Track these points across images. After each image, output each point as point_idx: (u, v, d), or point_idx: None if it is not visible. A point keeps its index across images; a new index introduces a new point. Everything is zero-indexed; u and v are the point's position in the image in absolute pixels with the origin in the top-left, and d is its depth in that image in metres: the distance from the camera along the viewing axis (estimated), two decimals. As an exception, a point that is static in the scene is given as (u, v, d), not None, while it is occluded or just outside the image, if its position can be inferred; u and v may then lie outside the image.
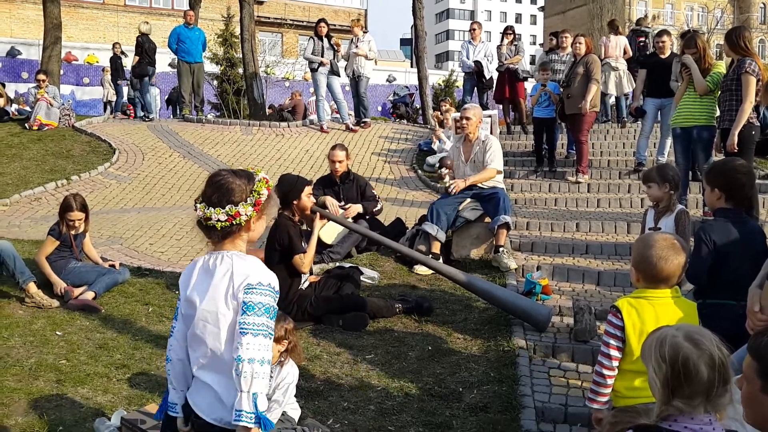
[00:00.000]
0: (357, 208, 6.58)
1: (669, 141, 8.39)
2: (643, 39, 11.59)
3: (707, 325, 2.23)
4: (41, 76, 12.70)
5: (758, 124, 6.41)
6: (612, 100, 12.26)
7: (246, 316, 2.15)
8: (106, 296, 5.53)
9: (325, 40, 11.88)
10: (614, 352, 2.73)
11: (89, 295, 5.39)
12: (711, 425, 1.84)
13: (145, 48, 13.34)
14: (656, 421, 1.90)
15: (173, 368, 2.40)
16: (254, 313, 2.15)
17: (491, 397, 4.00)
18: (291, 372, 3.40)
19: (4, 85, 15.21)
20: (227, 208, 2.26)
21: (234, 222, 2.27)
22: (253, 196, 2.30)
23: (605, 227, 6.99)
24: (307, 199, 5.18)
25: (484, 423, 3.72)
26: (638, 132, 9.52)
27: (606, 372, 2.74)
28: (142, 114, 13.63)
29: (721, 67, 6.85)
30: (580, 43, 8.75)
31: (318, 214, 5.32)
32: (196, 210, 2.32)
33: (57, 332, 4.80)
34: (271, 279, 2.24)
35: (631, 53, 11.79)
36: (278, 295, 2.25)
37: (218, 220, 2.26)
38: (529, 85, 13.03)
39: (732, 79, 6.19)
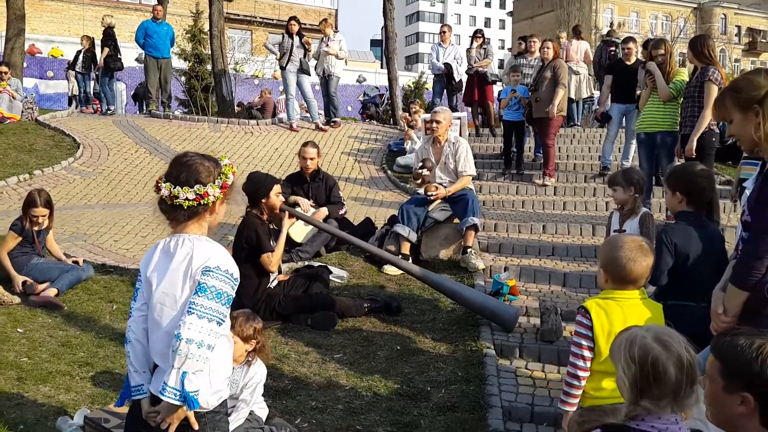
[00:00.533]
0: (324, 212, 6.56)
1: (633, 146, 8.56)
2: (613, 49, 11.84)
3: (669, 326, 2.27)
4: (3, 68, 12.40)
5: (718, 131, 6.58)
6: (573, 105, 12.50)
7: (197, 296, 2.15)
8: (69, 293, 5.42)
9: (296, 38, 11.82)
10: (586, 353, 2.75)
11: (52, 291, 5.29)
12: (677, 425, 1.88)
13: (115, 41, 13.15)
14: (624, 421, 1.94)
15: (133, 349, 2.36)
16: (205, 296, 2.15)
17: (459, 396, 4.03)
18: (259, 372, 3.39)
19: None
20: (196, 187, 2.27)
21: (201, 202, 2.27)
22: (221, 178, 2.32)
23: (571, 229, 7.10)
24: (276, 197, 5.15)
25: (451, 422, 3.75)
26: (604, 137, 9.69)
27: (580, 373, 2.76)
28: (106, 108, 13.41)
29: (684, 74, 7.02)
30: (548, 48, 8.87)
31: (287, 212, 5.29)
32: (159, 190, 2.30)
33: (18, 329, 4.69)
34: (230, 265, 2.24)
35: (591, 58, 12.12)
36: (236, 283, 2.25)
37: (186, 199, 2.26)
38: (498, 88, 13.17)
39: (695, 86, 6.34)
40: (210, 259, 2.21)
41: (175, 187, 2.27)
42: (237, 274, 2.26)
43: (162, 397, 2.12)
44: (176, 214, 2.31)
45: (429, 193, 6.34)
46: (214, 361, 2.19)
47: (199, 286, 2.17)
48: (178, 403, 2.11)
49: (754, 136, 2.62)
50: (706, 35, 6.98)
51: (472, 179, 6.91)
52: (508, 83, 10.74)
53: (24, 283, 5.37)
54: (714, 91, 6.14)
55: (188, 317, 2.10)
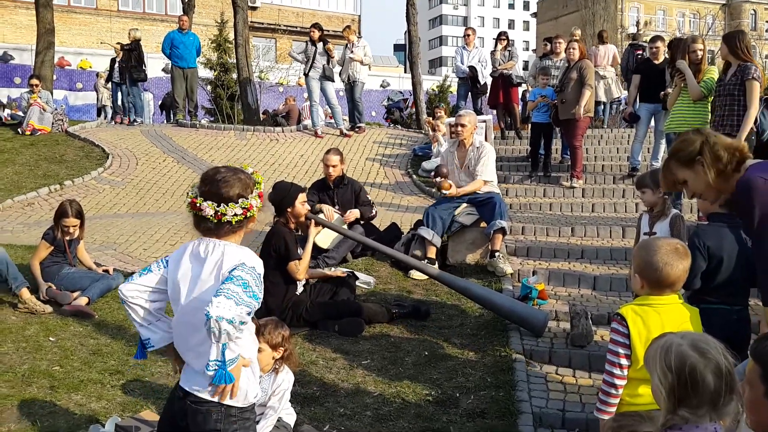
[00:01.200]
0: (355, 213, 6.58)
1: (663, 146, 8.42)
2: (640, 52, 11.77)
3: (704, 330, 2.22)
4: (34, 81, 12.63)
5: (755, 129, 6.44)
6: (600, 107, 12.45)
7: (224, 284, 2.20)
8: (100, 302, 5.49)
9: (319, 45, 11.87)
10: (624, 361, 2.69)
11: (83, 300, 5.36)
12: None
13: (140, 52, 13.35)
14: (661, 431, 1.89)
15: (134, 312, 2.49)
16: (231, 283, 2.20)
17: (488, 402, 3.99)
18: (286, 379, 3.39)
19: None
20: (240, 201, 2.34)
21: (248, 215, 2.36)
22: (258, 187, 2.41)
23: (600, 232, 7.01)
24: (301, 206, 5.17)
25: (481, 428, 3.71)
26: (632, 137, 9.56)
27: (617, 381, 2.70)
28: (134, 119, 13.61)
29: (714, 72, 6.88)
30: (573, 49, 8.78)
31: (312, 221, 5.30)
32: (201, 210, 2.33)
33: (50, 338, 4.76)
34: (257, 264, 2.31)
35: (619, 61, 12.10)
36: (261, 281, 2.30)
37: (234, 215, 2.33)
38: (523, 89, 13.11)
39: (735, 84, 6.18)
40: (240, 260, 2.30)
41: (219, 205, 2.32)
42: (262, 271, 2.33)
43: (208, 372, 2.21)
44: (221, 231, 2.36)
45: (442, 191, 6.30)
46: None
47: (226, 278, 2.23)
48: (214, 372, 2.21)
49: (712, 184, 2.78)
50: (742, 31, 6.82)
51: (498, 182, 6.85)
52: (534, 85, 10.66)
53: (48, 289, 5.45)
54: (758, 89, 6.03)
55: (215, 298, 2.14)
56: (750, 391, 1.86)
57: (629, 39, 35.13)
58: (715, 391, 1.82)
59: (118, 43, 14.37)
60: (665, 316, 2.70)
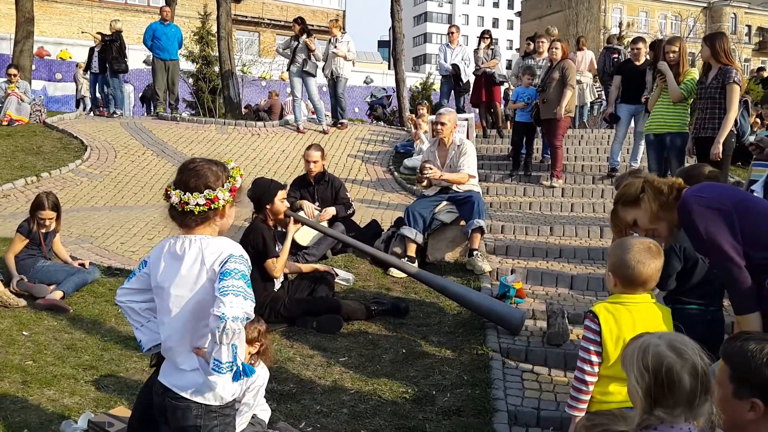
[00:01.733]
0: (331, 212, 6.55)
1: (642, 147, 8.50)
2: (616, 55, 11.96)
3: (679, 330, 2.24)
4: (12, 71, 12.46)
5: (735, 132, 6.51)
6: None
7: (224, 280, 2.18)
8: (75, 296, 5.43)
9: (301, 39, 11.80)
10: (595, 358, 2.72)
11: (57, 294, 5.29)
12: None
13: (121, 43, 13.21)
14: (635, 430, 1.90)
15: (128, 315, 2.57)
16: (232, 278, 2.18)
17: (464, 400, 4.00)
18: (261, 374, 3.37)
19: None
20: (206, 192, 2.31)
21: (212, 206, 2.32)
22: (230, 182, 2.37)
23: (579, 231, 7.06)
24: (281, 203, 5.14)
25: (457, 426, 3.71)
26: (612, 138, 9.63)
27: (588, 378, 2.73)
28: (114, 111, 13.46)
29: (694, 74, 6.93)
30: (556, 48, 8.82)
31: (292, 218, 5.28)
32: (169, 198, 2.34)
33: (23, 332, 4.69)
34: (242, 251, 2.32)
35: (596, 66, 12.51)
36: (250, 267, 2.30)
37: (197, 204, 2.30)
38: (507, 88, 13.19)
39: (715, 87, 6.23)
40: (223, 252, 2.28)
41: (185, 194, 2.32)
42: (247, 256, 2.33)
43: (221, 374, 2.15)
44: (187, 220, 2.35)
45: (424, 173, 6.27)
46: None
47: (222, 273, 2.21)
48: (230, 373, 2.17)
49: (660, 217, 2.96)
50: (723, 33, 6.87)
51: (479, 180, 6.86)
52: (516, 84, 10.70)
53: (20, 282, 5.40)
54: (737, 93, 6.10)
55: (225, 298, 2.12)
56: (720, 391, 1.90)
57: (611, 41, 35.47)
58: (691, 392, 1.84)
59: (98, 33, 14.18)
60: (637, 315, 2.73)
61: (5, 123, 11.56)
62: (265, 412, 3.48)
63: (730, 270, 2.74)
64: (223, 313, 2.07)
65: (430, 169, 6.23)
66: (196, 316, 2.25)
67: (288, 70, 11.99)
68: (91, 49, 14.19)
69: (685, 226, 2.89)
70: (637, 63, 8.74)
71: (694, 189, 2.92)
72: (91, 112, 14.13)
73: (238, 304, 2.10)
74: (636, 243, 2.77)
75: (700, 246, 2.84)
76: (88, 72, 14.74)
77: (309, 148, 6.79)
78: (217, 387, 2.26)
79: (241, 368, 2.18)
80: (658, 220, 2.96)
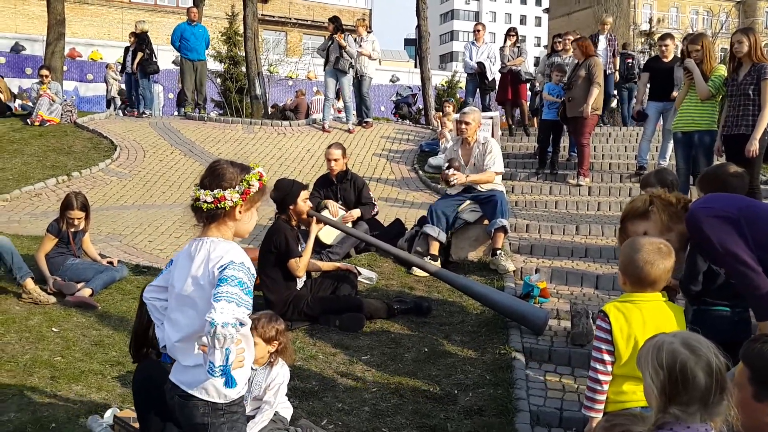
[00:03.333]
0: (356, 214, 6.57)
1: (671, 145, 8.37)
2: (630, 60, 11.81)
3: (703, 331, 2.22)
4: (44, 72, 12.70)
5: None
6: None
7: (220, 287, 2.20)
8: (104, 293, 5.53)
9: (335, 38, 11.85)
10: (607, 357, 2.72)
11: (86, 292, 5.39)
12: None
13: (150, 45, 13.42)
14: (652, 429, 1.89)
15: (151, 312, 2.64)
16: (228, 284, 2.20)
17: (486, 400, 3.99)
18: (281, 373, 3.40)
19: (1, 77, 15.17)
20: (215, 191, 2.34)
21: (219, 205, 2.34)
22: (243, 185, 2.38)
23: (605, 231, 6.98)
24: (303, 203, 5.18)
25: (478, 426, 3.71)
26: (640, 135, 9.50)
27: (602, 377, 2.73)
28: (144, 111, 13.68)
29: (722, 70, 6.80)
30: (575, 49, 8.76)
31: (314, 218, 5.31)
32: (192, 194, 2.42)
33: (53, 329, 4.80)
34: (245, 259, 2.32)
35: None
36: (253, 277, 2.31)
37: (204, 201, 2.34)
38: (537, 87, 13.07)
39: (749, 84, 6.11)
40: (224, 257, 2.29)
41: (199, 190, 2.38)
42: (251, 265, 2.34)
43: (214, 377, 2.18)
44: (197, 216, 2.41)
45: (450, 181, 6.25)
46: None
47: (219, 280, 2.23)
48: (220, 378, 2.20)
49: (670, 227, 3.04)
50: (752, 28, 6.73)
51: (503, 179, 6.82)
52: (543, 82, 10.61)
53: (54, 282, 5.51)
54: None
55: (217, 304, 2.14)
56: (739, 393, 1.88)
57: (642, 36, 34.91)
58: (706, 389, 1.83)
59: (131, 32, 14.41)
60: (647, 313, 2.73)
61: (37, 123, 11.80)
62: (287, 410, 3.51)
63: (747, 276, 2.73)
64: (213, 319, 2.09)
65: (455, 175, 6.21)
66: (199, 315, 2.27)
67: (324, 70, 12.06)
68: (126, 49, 14.42)
69: (697, 240, 2.93)
70: (665, 60, 8.61)
71: (700, 202, 2.98)
72: (120, 112, 14.32)
73: (230, 311, 2.12)
74: (646, 243, 2.76)
75: (715, 257, 2.86)
76: (123, 73, 14.97)
77: (330, 146, 6.82)
78: (218, 384, 2.28)
79: (231, 375, 2.20)
80: (669, 231, 3.02)
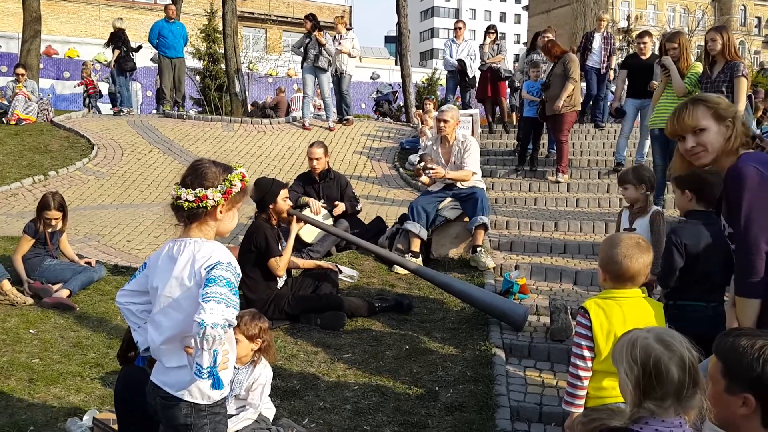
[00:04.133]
0: (342, 207, 6.59)
1: (648, 142, 8.46)
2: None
3: (677, 326, 2.25)
4: (20, 70, 12.53)
5: None
6: None
7: (208, 287, 2.20)
8: (82, 294, 5.48)
9: (312, 36, 11.81)
10: (587, 353, 2.74)
11: (64, 293, 5.34)
12: (681, 428, 1.86)
13: (127, 42, 13.28)
14: (627, 423, 1.92)
15: (127, 317, 2.60)
16: (216, 284, 2.20)
17: (467, 396, 4.02)
18: (264, 373, 3.39)
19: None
20: (197, 190, 2.34)
21: (200, 204, 2.33)
22: (225, 184, 2.37)
23: (583, 227, 7.04)
24: (283, 202, 5.17)
25: (459, 422, 3.73)
26: (618, 132, 9.59)
27: (581, 373, 2.75)
28: (122, 108, 13.54)
29: (698, 67, 6.90)
30: (545, 53, 8.87)
31: (294, 216, 5.30)
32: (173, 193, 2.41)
33: (30, 330, 4.74)
34: (232, 259, 2.32)
35: None
36: (239, 276, 2.31)
37: (186, 200, 2.33)
38: (516, 84, 13.14)
39: (723, 81, 6.21)
40: (211, 257, 2.29)
41: (180, 189, 2.36)
42: (237, 265, 2.34)
43: (201, 378, 2.18)
44: (178, 215, 2.40)
45: (428, 172, 6.26)
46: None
47: (207, 280, 2.22)
48: (208, 380, 2.20)
49: (724, 150, 2.72)
50: (726, 26, 6.86)
51: (484, 176, 6.87)
52: (522, 80, 10.67)
53: (29, 285, 5.45)
54: (745, 86, 6.11)
55: (206, 304, 2.14)
56: (712, 386, 1.91)
57: (620, 33, 35.20)
58: (680, 383, 1.86)
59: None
60: (627, 309, 2.75)
61: (13, 122, 11.64)
62: (269, 410, 3.51)
63: (751, 254, 2.60)
64: (202, 320, 2.09)
65: (433, 168, 6.23)
66: (184, 317, 2.27)
67: (302, 67, 12.02)
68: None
69: (730, 189, 2.69)
70: (644, 57, 8.70)
71: (752, 158, 2.68)
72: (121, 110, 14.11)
73: (219, 311, 2.13)
74: (625, 238, 2.80)
75: (734, 218, 2.66)
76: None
77: (312, 145, 6.81)
78: (202, 385, 2.29)
79: (219, 377, 2.21)
80: (716, 150, 2.73)
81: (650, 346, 1.91)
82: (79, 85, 16.58)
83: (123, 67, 13.46)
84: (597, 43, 11.22)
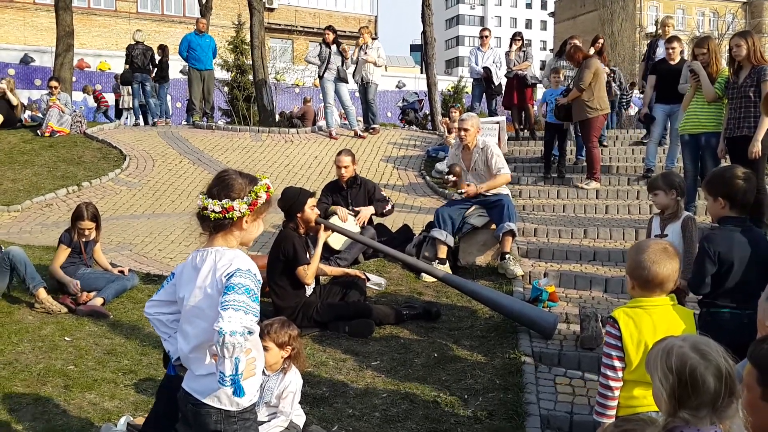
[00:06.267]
0: (368, 211, 6.64)
1: (679, 147, 8.35)
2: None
3: (712, 334, 2.22)
4: (53, 83, 12.79)
5: None
6: None
7: (227, 295, 2.23)
8: (115, 302, 5.57)
9: (333, 46, 11.93)
10: (617, 363, 2.71)
11: (98, 301, 5.44)
12: None
13: (152, 54, 13.60)
14: None
15: (156, 327, 2.64)
16: (235, 292, 2.23)
17: (496, 404, 4.00)
18: (294, 380, 3.42)
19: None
20: (223, 201, 2.37)
21: (227, 215, 2.37)
22: (251, 196, 2.41)
23: (613, 234, 6.98)
24: (311, 211, 5.21)
25: (489, 431, 3.72)
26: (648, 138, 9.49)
27: (612, 383, 2.72)
28: (152, 120, 13.79)
29: (728, 72, 6.81)
30: (570, 59, 8.85)
31: (322, 225, 5.34)
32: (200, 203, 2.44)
33: (66, 338, 4.84)
34: (252, 266, 2.35)
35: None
36: (260, 283, 2.33)
37: (212, 211, 2.37)
38: (539, 90, 13.08)
39: (750, 86, 6.13)
40: (231, 264, 2.32)
41: (207, 199, 2.40)
42: (258, 272, 2.36)
43: (224, 386, 2.21)
44: (204, 225, 2.45)
45: (460, 191, 6.30)
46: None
47: (227, 288, 2.26)
48: (231, 387, 2.22)
49: None
50: (750, 31, 6.76)
51: (509, 183, 6.84)
52: (548, 86, 10.63)
53: (75, 284, 5.57)
54: None
55: (225, 313, 2.17)
56: (747, 394, 1.88)
57: (648, 38, 34.84)
58: (715, 393, 1.83)
59: (160, 44, 14.57)
60: (656, 318, 2.71)
61: (47, 134, 11.89)
62: (299, 417, 3.54)
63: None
64: (221, 328, 2.12)
65: (464, 192, 6.25)
66: (209, 325, 2.29)
67: (321, 77, 12.12)
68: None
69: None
70: (672, 62, 8.60)
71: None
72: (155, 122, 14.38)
73: (237, 319, 2.15)
74: (652, 244, 2.76)
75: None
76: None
77: (339, 153, 6.86)
78: (230, 392, 2.29)
79: (236, 384, 2.22)
80: None
81: (686, 354, 1.87)
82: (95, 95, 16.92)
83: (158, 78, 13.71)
84: (661, 49, 11.07)
